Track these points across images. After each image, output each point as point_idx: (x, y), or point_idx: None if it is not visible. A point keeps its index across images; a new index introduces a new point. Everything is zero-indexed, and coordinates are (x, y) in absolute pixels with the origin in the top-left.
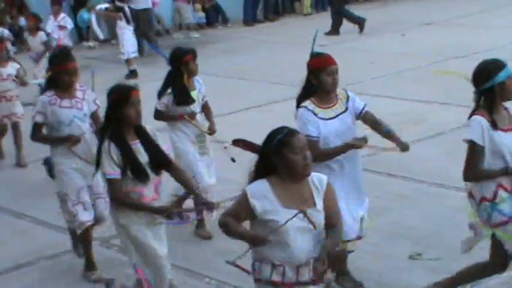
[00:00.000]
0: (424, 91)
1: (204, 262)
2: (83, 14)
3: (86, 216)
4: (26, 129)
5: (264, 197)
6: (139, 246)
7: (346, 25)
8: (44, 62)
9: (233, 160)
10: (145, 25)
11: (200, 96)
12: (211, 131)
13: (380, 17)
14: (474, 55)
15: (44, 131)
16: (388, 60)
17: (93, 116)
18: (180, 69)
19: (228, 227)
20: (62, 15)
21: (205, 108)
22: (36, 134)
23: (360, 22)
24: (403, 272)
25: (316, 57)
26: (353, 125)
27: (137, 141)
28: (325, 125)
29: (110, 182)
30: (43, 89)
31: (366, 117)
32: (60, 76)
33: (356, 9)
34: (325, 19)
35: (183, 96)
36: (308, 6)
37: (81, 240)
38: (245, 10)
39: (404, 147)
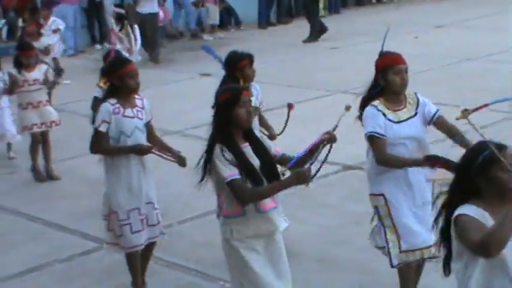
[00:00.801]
0: (437, 93)
1: (217, 264)
2: None
3: (135, 240)
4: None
5: (484, 220)
6: (246, 270)
7: (361, 27)
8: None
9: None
10: (152, 30)
11: (257, 103)
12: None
13: (393, 20)
14: (486, 57)
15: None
16: None
17: (147, 125)
18: (235, 75)
19: (495, 232)
20: (52, 18)
21: (260, 115)
22: (99, 145)
23: (320, 32)
24: None
25: (383, 56)
26: (424, 131)
27: (247, 144)
28: (393, 128)
29: (233, 185)
30: (102, 98)
31: (438, 123)
32: (124, 81)
33: (369, 12)
34: (338, 22)
35: None
36: (321, 9)
37: (129, 263)
38: (259, 12)
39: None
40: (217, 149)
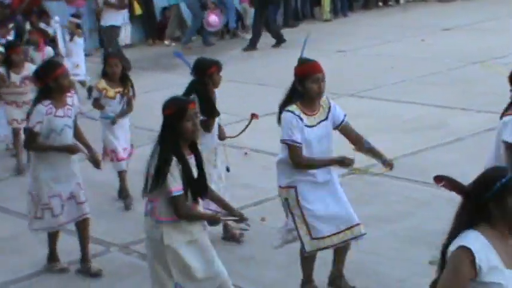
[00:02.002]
0: (444, 96)
1: (227, 269)
2: None
3: (53, 222)
4: None
5: (485, 253)
6: (182, 265)
7: (367, 30)
8: None
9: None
10: (108, 41)
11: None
12: (223, 137)
13: (399, 23)
14: (493, 60)
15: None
16: (408, 65)
17: (74, 121)
18: (204, 80)
19: None
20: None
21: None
22: (34, 142)
23: (280, 39)
24: (424, 277)
25: (302, 64)
26: (331, 134)
27: (192, 155)
28: (308, 131)
29: (177, 200)
30: (35, 99)
31: (344, 129)
32: (59, 81)
33: (376, 15)
34: (344, 25)
35: (210, 109)
36: (328, 12)
37: (49, 238)
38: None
39: (389, 165)
40: (174, 162)
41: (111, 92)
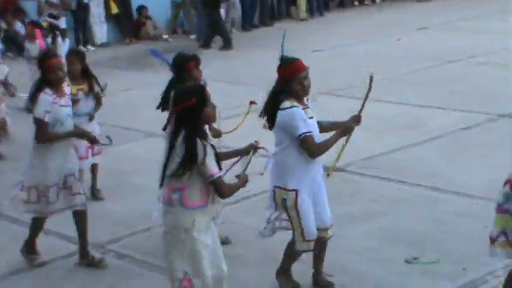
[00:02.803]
0: (421, 95)
1: None
2: None
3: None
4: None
5: None
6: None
7: (343, 30)
8: None
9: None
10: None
11: None
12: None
13: (375, 22)
14: (469, 59)
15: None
16: (384, 64)
17: None
18: (183, 76)
19: None
20: None
21: None
22: (47, 133)
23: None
24: (400, 276)
25: (286, 65)
26: None
27: None
28: (310, 123)
29: (220, 182)
30: (35, 90)
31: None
32: (52, 72)
33: (351, 15)
34: (320, 24)
35: None
36: (304, 11)
37: (35, 225)
38: (243, 15)
39: (357, 119)
40: (205, 145)
41: (73, 89)
